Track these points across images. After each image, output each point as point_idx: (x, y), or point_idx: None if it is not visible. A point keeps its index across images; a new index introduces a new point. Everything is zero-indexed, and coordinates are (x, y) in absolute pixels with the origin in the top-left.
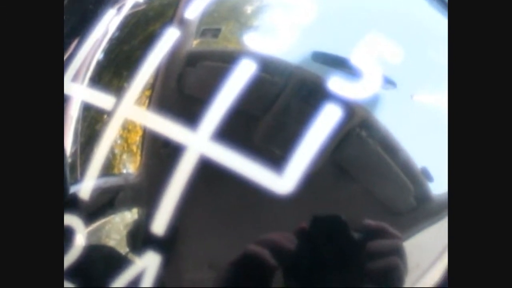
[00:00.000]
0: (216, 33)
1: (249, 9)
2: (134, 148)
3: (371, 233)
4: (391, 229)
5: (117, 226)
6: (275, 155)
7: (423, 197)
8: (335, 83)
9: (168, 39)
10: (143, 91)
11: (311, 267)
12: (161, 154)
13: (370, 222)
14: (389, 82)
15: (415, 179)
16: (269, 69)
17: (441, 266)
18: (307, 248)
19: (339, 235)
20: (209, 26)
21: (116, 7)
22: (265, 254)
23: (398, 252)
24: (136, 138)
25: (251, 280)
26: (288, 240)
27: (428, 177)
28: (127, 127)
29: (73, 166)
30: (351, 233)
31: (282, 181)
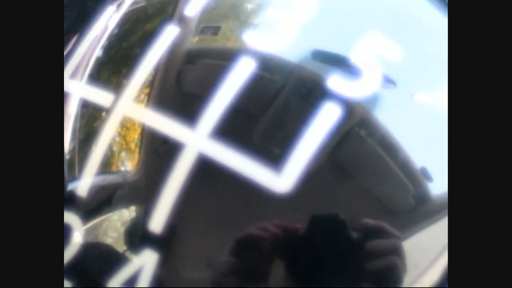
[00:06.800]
0: (215, 31)
1: (249, 6)
2: (133, 145)
3: (369, 233)
4: (390, 229)
5: (114, 224)
6: (273, 153)
7: (422, 197)
8: (335, 81)
9: (167, 37)
10: (142, 89)
11: (309, 267)
12: (159, 152)
13: (368, 221)
14: (389, 81)
15: (415, 178)
16: (268, 67)
17: (440, 266)
18: (305, 248)
19: (337, 234)
20: (209, 24)
21: (116, 4)
22: (264, 236)
23: (397, 252)
24: (135, 135)
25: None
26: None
27: (428, 177)
28: (126, 125)
29: (71, 163)
30: (350, 233)
31: (281, 180)
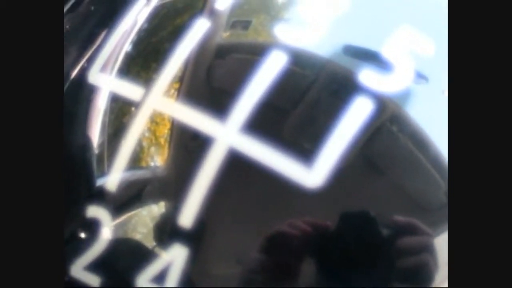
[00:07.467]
0: (246, 25)
1: (280, 1)
2: (162, 140)
3: (401, 230)
4: (422, 226)
5: (144, 219)
6: (304, 148)
7: None
8: (366, 76)
9: (197, 31)
10: (171, 83)
11: (339, 265)
12: (189, 147)
13: (400, 218)
14: (421, 76)
15: (446, 174)
16: (299, 62)
17: None
18: (335, 245)
19: (368, 231)
20: (240, 18)
21: None
22: (294, 234)
23: (428, 250)
24: (164, 130)
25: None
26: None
27: None
28: (155, 120)
29: (100, 158)
30: (381, 230)
31: (312, 175)
